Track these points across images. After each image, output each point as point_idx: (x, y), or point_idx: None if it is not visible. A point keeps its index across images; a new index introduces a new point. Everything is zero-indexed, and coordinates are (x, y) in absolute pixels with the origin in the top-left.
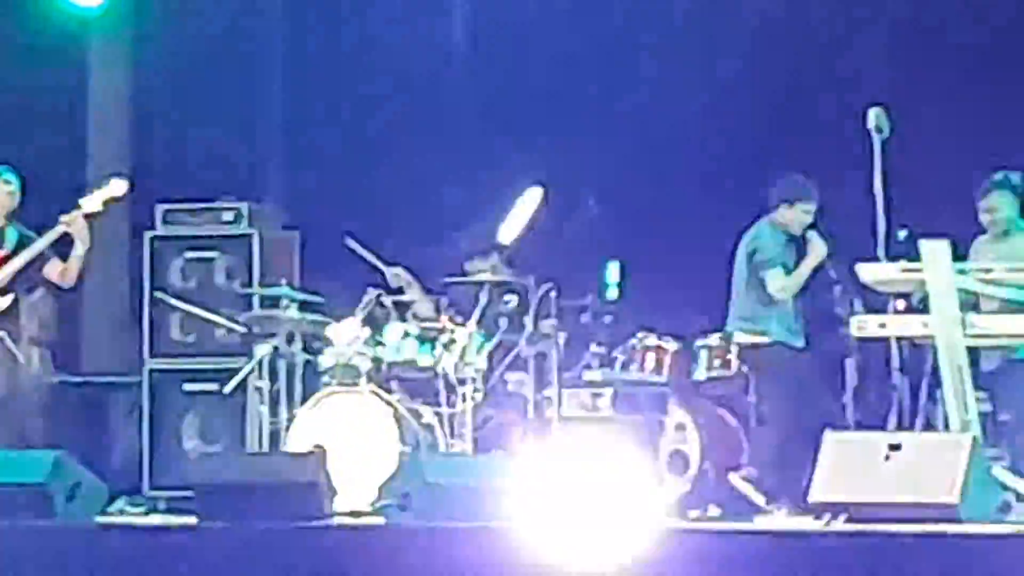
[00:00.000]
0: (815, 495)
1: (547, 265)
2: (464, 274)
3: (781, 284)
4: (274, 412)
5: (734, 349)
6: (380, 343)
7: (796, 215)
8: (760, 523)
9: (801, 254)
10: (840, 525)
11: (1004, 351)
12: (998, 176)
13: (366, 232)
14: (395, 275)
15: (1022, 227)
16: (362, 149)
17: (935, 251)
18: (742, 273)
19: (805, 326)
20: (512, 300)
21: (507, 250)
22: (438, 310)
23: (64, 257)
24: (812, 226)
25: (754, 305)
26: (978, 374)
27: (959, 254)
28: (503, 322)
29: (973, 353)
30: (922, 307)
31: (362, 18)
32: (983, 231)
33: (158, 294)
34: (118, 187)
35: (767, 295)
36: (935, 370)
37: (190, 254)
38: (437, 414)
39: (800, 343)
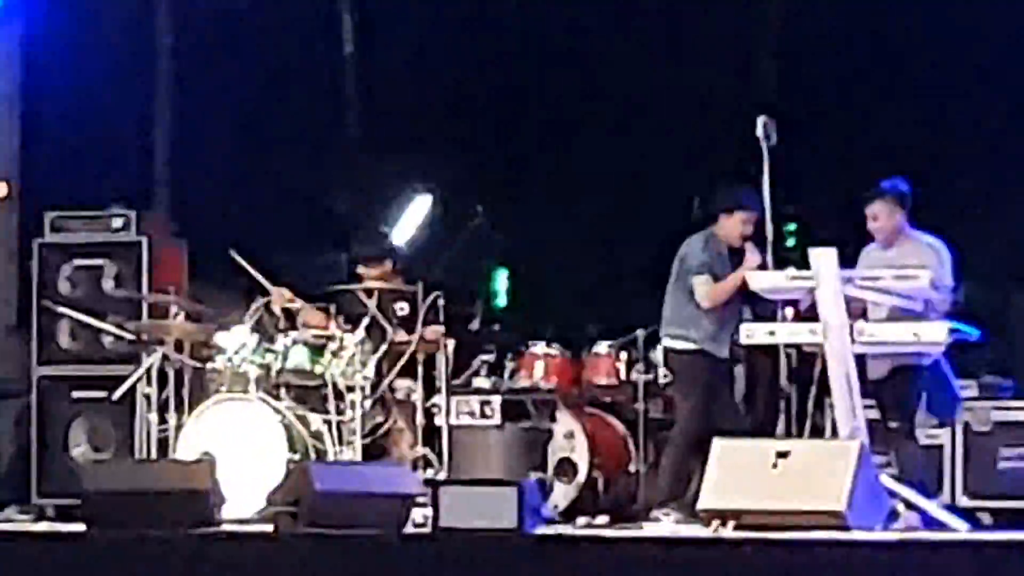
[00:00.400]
0: (704, 502)
1: (436, 272)
2: (354, 280)
3: (704, 291)
4: (163, 419)
5: (623, 356)
6: (269, 350)
7: (734, 225)
8: (648, 530)
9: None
10: (728, 532)
11: (892, 359)
12: (881, 184)
13: (256, 239)
14: (280, 295)
15: (911, 233)
16: (252, 157)
17: (823, 259)
18: (672, 279)
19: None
20: (404, 308)
21: (399, 254)
22: (327, 317)
23: None
24: (751, 238)
25: (678, 311)
26: (866, 381)
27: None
28: (392, 329)
29: (861, 360)
30: (811, 315)
31: (248, 26)
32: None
33: (46, 302)
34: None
35: (693, 302)
36: (823, 377)
37: (79, 261)
38: (326, 421)
39: (722, 353)
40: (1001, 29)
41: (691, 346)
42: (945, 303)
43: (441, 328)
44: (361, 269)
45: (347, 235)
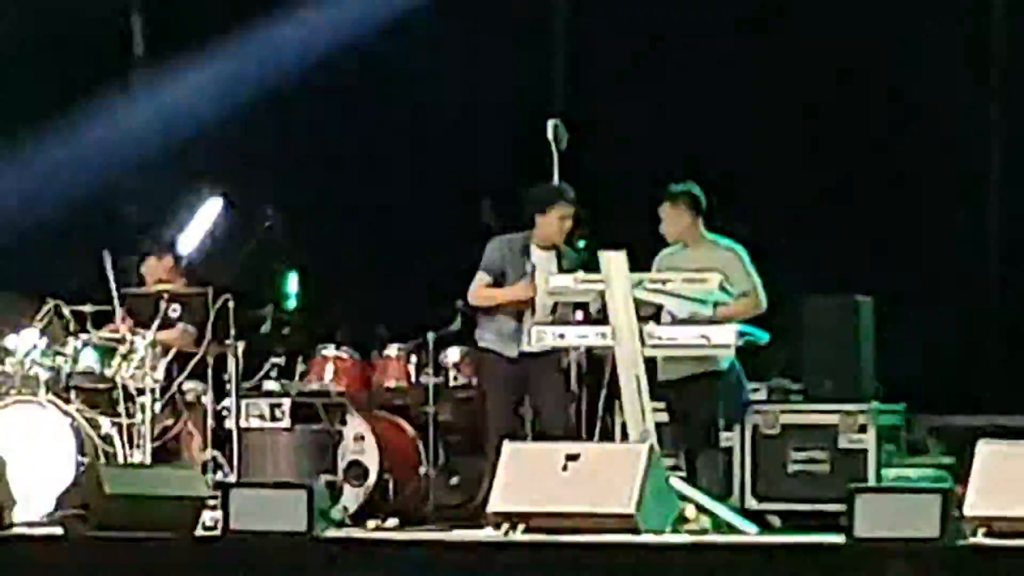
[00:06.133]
0: (494, 505)
1: (227, 275)
2: (143, 283)
3: (472, 288)
4: None
5: (413, 359)
6: (59, 353)
7: (551, 222)
8: (437, 534)
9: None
10: (519, 535)
11: (690, 363)
12: (674, 187)
13: (44, 243)
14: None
15: (707, 237)
16: (38, 159)
17: (613, 262)
18: None
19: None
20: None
21: (180, 253)
22: (120, 320)
23: None
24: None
25: (478, 310)
26: (660, 384)
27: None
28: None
29: (654, 363)
30: (601, 317)
31: (41, 30)
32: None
33: None
34: None
35: None
36: (613, 380)
37: None
38: (116, 424)
39: (511, 352)
40: (794, 35)
41: (482, 344)
42: (760, 306)
43: (231, 331)
44: (145, 269)
45: (136, 239)
